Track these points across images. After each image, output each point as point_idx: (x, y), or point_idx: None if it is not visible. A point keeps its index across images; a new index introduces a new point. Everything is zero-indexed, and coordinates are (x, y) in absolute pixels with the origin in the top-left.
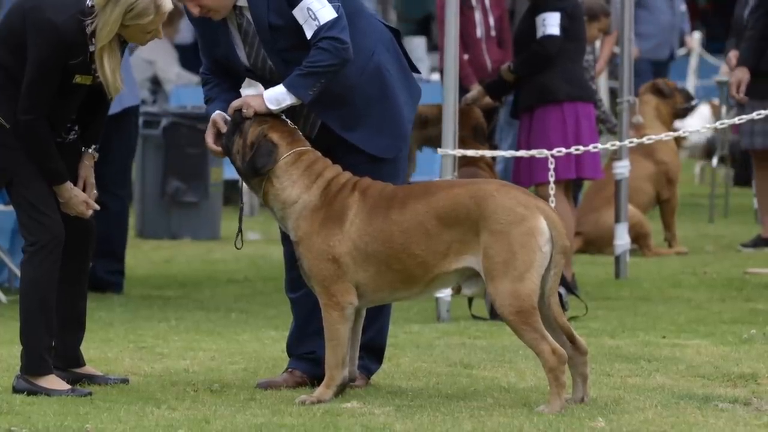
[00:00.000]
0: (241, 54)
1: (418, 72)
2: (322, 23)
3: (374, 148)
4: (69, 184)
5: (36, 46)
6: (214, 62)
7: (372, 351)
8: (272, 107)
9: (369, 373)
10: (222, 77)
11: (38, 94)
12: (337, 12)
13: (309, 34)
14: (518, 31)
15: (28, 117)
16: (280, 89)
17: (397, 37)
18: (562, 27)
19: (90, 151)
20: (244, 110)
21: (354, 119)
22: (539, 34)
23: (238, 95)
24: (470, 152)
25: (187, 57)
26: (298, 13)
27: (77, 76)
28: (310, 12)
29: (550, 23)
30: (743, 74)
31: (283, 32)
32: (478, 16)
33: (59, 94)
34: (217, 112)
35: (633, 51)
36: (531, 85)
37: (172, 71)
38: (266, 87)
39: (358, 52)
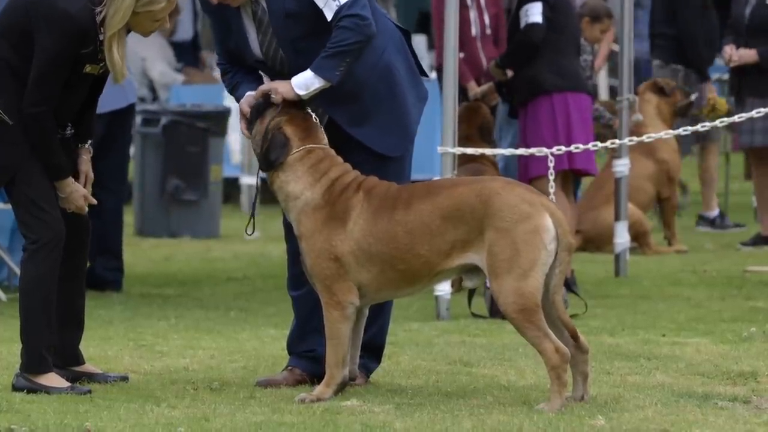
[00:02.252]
0: (254, 43)
1: (425, 75)
2: (342, 2)
3: (380, 145)
4: (71, 179)
5: (49, 37)
6: (228, 52)
7: (371, 350)
8: (301, 92)
9: (368, 371)
10: (239, 65)
11: (49, 85)
12: None
13: (329, 16)
14: (509, 29)
15: (37, 110)
16: (307, 74)
17: (407, 38)
18: (545, 17)
19: (86, 146)
20: (273, 95)
21: (362, 116)
22: (522, 24)
23: (260, 77)
24: (469, 150)
25: (187, 54)
26: None
27: (87, 65)
28: None
29: (532, 12)
30: (750, 56)
31: (298, 19)
32: (473, 14)
33: (66, 86)
34: (245, 98)
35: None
36: (522, 80)
37: (156, 69)
38: (274, 79)
39: (369, 49)
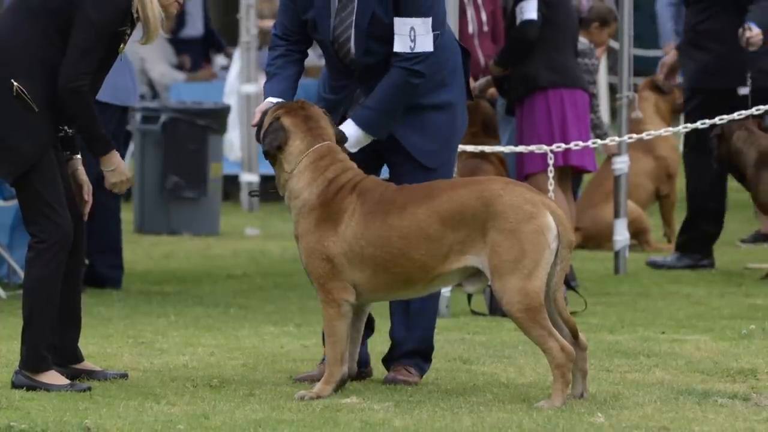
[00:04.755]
0: (330, 24)
1: (471, 99)
2: (416, 51)
3: (418, 152)
4: (115, 150)
5: (95, 10)
6: (298, 25)
7: (420, 353)
8: (353, 150)
9: (421, 372)
10: (293, 44)
11: (91, 59)
12: (433, 45)
13: (397, 47)
14: (506, 27)
15: (79, 83)
16: (358, 133)
17: (465, 57)
18: (541, 14)
19: (79, 156)
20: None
21: (411, 120)
22: (517, 21)
23: (300, 70)
24: (469, 147)
25: (194, 50)
26: (399, 22)
27: (121, 43)
28: (411, 31)
29: (527, 9)
30: None
31: (380, 24)
32: (470, 12)
33: (97, 68)
34: (264, 104)
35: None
36: (517, 76)
37: (156, 70)
38: (333, 65)
39: (433, 64)
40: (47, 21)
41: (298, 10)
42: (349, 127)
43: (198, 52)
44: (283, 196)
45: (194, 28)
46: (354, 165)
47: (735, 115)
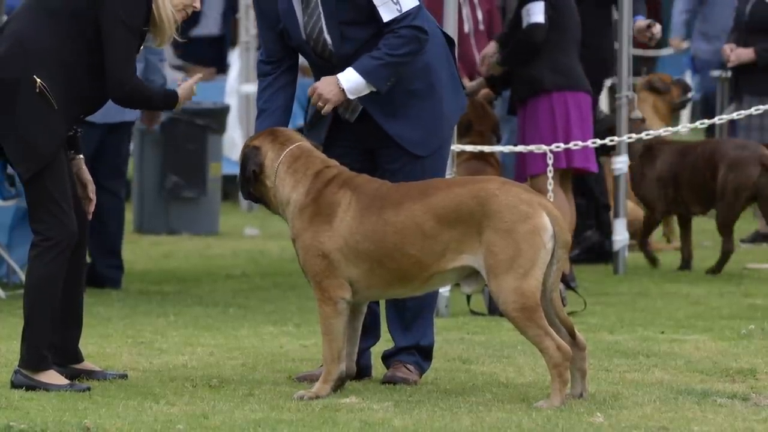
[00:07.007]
0: (300, 23)
1: (464, 88)
2: (404, 10)
3: (408, 142)
4: (178, 91)
5: (125, 10)
6: (277, 40)
7: (421, 350)
8: (352, 97)
9: (421, 371)
10: (278, 65)
11: (133, 58)
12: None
13: (386, 17)
14: (509, 28)
15: (132, 84)
16: (358, 79)
17: (450, 46)
18: (547, 16)
19: (81, 156)
20: (323, 109)
21: (394, 110)
22: (524, 24)
23: (290, 95)
24: (468, 147)
25: (204, 49)
26: None
27: (141, 44)
28: None
29: (534, 12)
30: (747, 55)
31: (349, 5)
32: (465, 11)
33: None
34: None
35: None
36: (521, 78)
37: None
38: (315, 64)
39: None
40: (69, 22)
41: (271, 25)
42: (349, 74)
43: (208, 52)
44: (279, 213)
45: (206, 27)
46: (335, 162)
47: (751, 110)
